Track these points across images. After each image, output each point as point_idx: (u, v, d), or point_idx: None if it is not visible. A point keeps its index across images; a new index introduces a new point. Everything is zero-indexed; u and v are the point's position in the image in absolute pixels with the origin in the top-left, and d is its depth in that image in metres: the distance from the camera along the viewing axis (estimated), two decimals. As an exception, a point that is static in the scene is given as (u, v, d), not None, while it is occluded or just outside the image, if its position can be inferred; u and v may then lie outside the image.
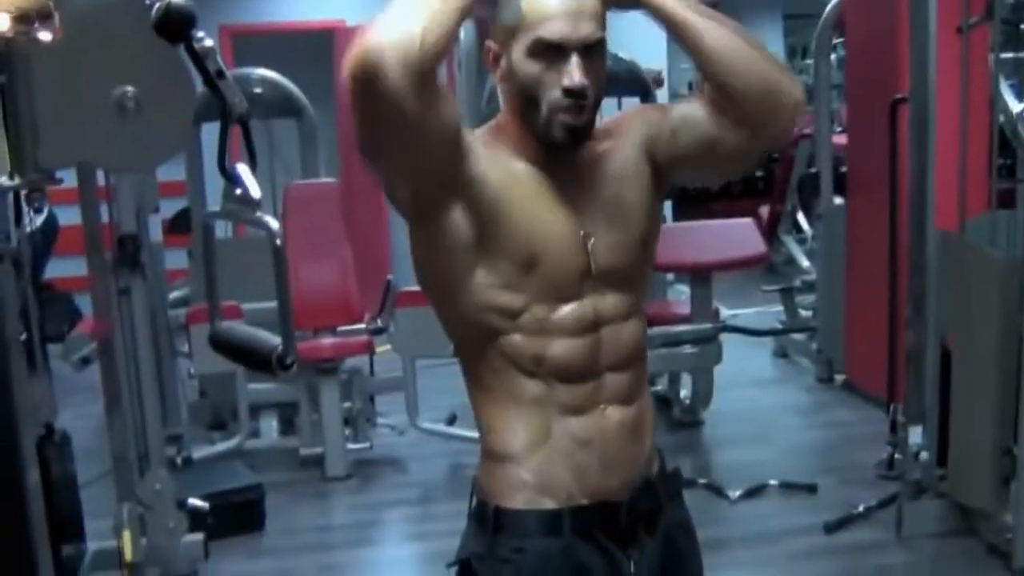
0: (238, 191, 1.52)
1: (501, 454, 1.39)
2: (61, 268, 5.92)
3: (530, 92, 1.32)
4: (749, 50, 1.36)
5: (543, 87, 1.31)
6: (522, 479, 1.37)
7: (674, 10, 1.36)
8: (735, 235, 4.72)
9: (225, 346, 1.64)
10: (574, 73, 1.29)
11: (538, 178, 1.38)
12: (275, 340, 1.54)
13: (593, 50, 1.32)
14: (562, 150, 1.36)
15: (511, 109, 1.39)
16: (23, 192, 2.75)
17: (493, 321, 1.35)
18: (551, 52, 1.30)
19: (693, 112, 1.43)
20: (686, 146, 1.42)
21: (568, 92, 1.30)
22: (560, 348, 1.35)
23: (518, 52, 1.32)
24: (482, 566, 1.38)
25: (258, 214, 1.55)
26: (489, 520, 1.38)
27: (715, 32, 1.36)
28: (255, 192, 1.51)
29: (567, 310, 1.36)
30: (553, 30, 1.29)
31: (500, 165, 1.36)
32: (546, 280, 1.34)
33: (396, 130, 1.25)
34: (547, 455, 1.37)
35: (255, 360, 1.58)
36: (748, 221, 5.08)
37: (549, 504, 1.36)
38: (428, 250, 1.37)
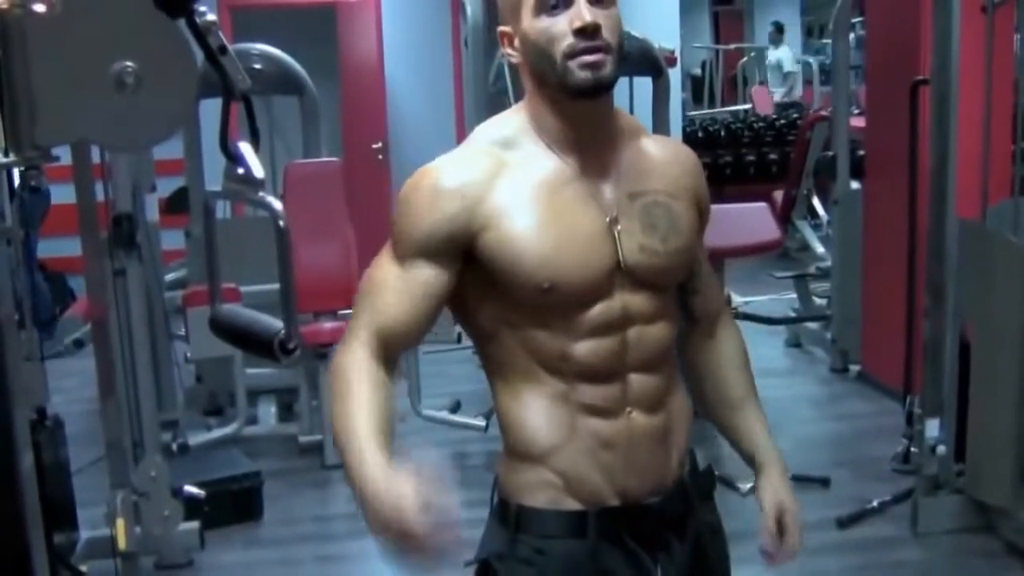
0: (240, 170, 1.52)
1: (524, 452, 1.38)
2: (54, 248, 5.94)
3: (543, 50, 1.31)
4: None
5: (554, 41, 1.30)
6: (546, 478, 1.36)
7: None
8: (748, 220, 4.71)
9: (226, 330, 1.64)
10: (583, 12, 1.28)
11: (559, 171, 1.36)
12: (277, 324, 1.53)
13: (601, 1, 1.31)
14: (586, 100, 1.33)
15: (530, 83, 1.38)
16: (18, 169, 2.76)
17: (516, 320, 1.35)
18: (558, 4, 1.29)
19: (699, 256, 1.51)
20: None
21: (579, 32, 1.28)
22: (585, 348, 1.34)
23: (527, 17, 1.32)
24: (502, 566, 1.37)
25: (261, 194, 1.55)
26: (511, 519, 1.37)
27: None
28: (258, 172, 1.51)
29: (596, 309, 1.34)
30: None
31: (514, 182, 1.35)
32: (573, 291, 1.33)
33: None
34: (572, 454, 1.36)
35: (257, 345, 1.58)
36: (761, 205, 5.07)
37: (574, 505, 1.36)
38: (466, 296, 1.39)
